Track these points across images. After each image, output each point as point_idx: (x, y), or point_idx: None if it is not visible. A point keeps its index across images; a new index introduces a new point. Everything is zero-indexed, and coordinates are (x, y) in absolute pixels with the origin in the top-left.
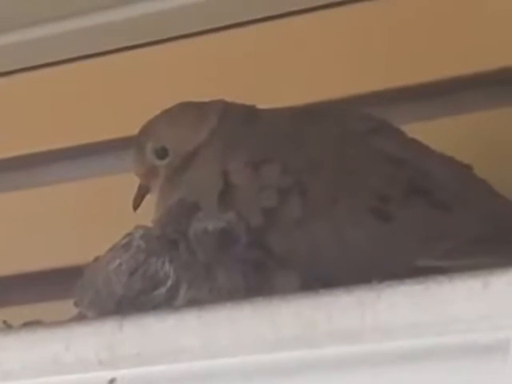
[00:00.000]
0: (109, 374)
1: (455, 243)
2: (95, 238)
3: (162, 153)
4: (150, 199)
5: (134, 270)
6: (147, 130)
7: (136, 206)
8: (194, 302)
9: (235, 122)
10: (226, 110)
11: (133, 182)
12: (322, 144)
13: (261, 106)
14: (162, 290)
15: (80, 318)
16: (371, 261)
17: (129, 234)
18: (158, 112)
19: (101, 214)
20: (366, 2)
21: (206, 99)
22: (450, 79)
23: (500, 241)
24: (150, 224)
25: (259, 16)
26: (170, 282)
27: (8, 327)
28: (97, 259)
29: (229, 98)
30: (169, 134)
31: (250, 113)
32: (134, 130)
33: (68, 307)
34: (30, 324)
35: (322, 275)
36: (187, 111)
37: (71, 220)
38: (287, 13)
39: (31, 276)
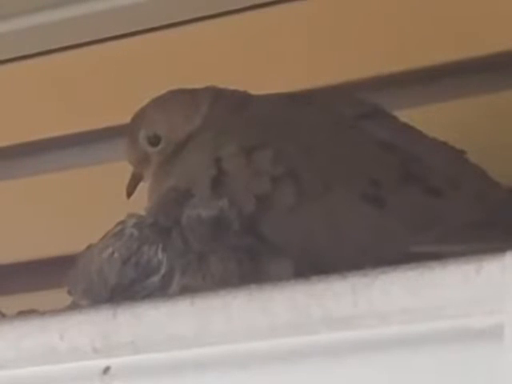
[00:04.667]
0: (103, 363)
1: (448, 229)
2: (88, 226)
3: (154, 140)
4: (144, 187)
5: (126, 259)
6: (139, 117)
7: (129, 193)
8: (188, 290)
9: (227, 108)
10: (218, 97)
11: (126, 169)
12: (315, 130)
13: (253, 92)
14: (156, 278)
15: (74, 306)
16: (364, 247)
17: (121, 222)
18: (149, 99)
19: (94, 202)
20: None
21: (197, 86)
22: (445, 64)
23: (493, 226)
24: (143, 212)
25: (251, 3)
26: (163, 270)
27: (2, 316)
28: (89, 247)
29: (221, 85)
30: (161, 120)
31: (241, 99)
32: (127, 118)
33: (62, 296)
34: (24, 313)
35: (316, 262)
36: (179, 98)
37: (64, 208)
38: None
39: (24, 265)
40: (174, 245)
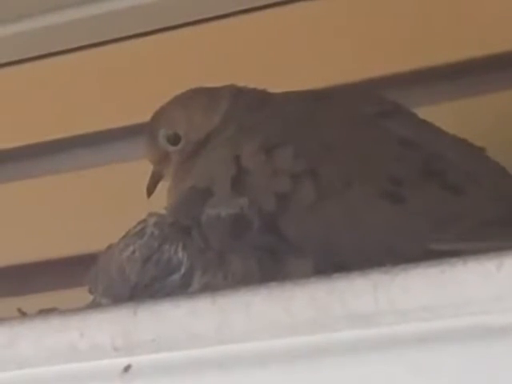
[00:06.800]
0: (124, 361)
1: (469, 225)
2: (109, 225)
3: (174, 139)
4: (164, 186)
5: (147, 257)
6: (159, 116)
7: (150, 192)
8: (208, 288)
9: (247, 107)
10: (238, 95)
11: (146, 168)
12: (335, 127)
13: (272, 90)
14: (176, 277)
15: (94, 305)
16: (385, 244)
17: (142, 221)
18: (170, 98)
19: (114, 202)
20: None
21: (217, 85)
22: (463, 61)
23: None
24: (163, 211)
25: (270, 1)
26: (183, 269)
27: (23, 315)
28: (110, 247)
29: (240, 83)
30: (181, 119)
31: (261, 97)
32: (147, 117)
33: (82, 295)
34: (45, 312)
35: (336, 259)
36: (199, 97)
37: (85, 207)
38: None
39: (45, 264)
40: (195, 243)
